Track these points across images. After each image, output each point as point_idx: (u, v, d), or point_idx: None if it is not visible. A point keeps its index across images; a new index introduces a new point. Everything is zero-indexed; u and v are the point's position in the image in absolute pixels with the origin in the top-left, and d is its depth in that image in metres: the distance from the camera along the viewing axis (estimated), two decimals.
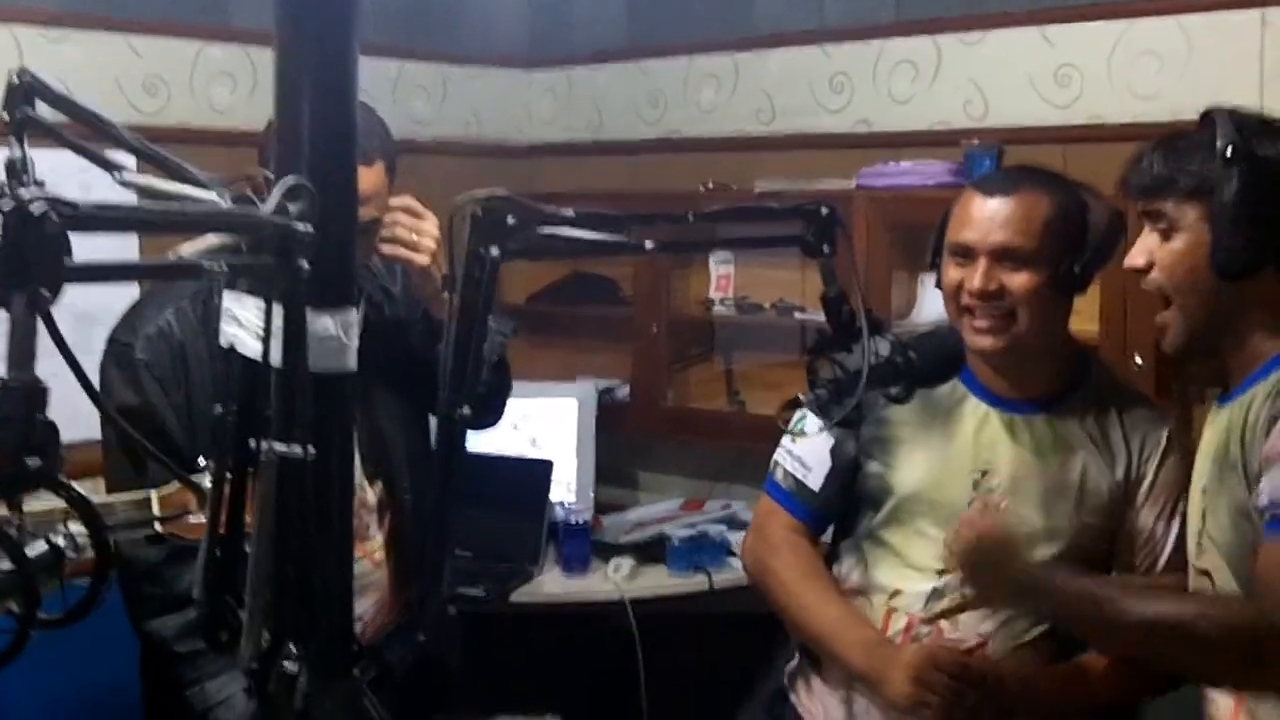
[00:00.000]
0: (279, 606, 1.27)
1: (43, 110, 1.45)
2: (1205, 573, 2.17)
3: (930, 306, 3.53)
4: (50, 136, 1.48)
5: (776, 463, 2.60)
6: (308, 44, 1.34)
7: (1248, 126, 2.13)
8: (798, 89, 4.52)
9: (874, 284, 3.93)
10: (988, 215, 2.36)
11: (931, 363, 2.03)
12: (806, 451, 2.55)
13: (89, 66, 3.91)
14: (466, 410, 1.49)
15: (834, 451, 2.52)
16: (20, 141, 1.46)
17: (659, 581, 4.08)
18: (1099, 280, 2.48)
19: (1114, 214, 2.40)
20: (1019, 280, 2.34)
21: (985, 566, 2.23)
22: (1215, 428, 2.17)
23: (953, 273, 2.40)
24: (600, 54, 5.01)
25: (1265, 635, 1.97)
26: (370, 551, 2.58)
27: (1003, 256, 2.34)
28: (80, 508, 1.16)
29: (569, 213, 1.61)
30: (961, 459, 2.44)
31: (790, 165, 4.37)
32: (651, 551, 4.17)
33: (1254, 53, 3.63)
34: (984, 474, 2.43)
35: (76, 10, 3.98)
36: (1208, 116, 2.18)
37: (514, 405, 4.44)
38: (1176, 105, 3.70)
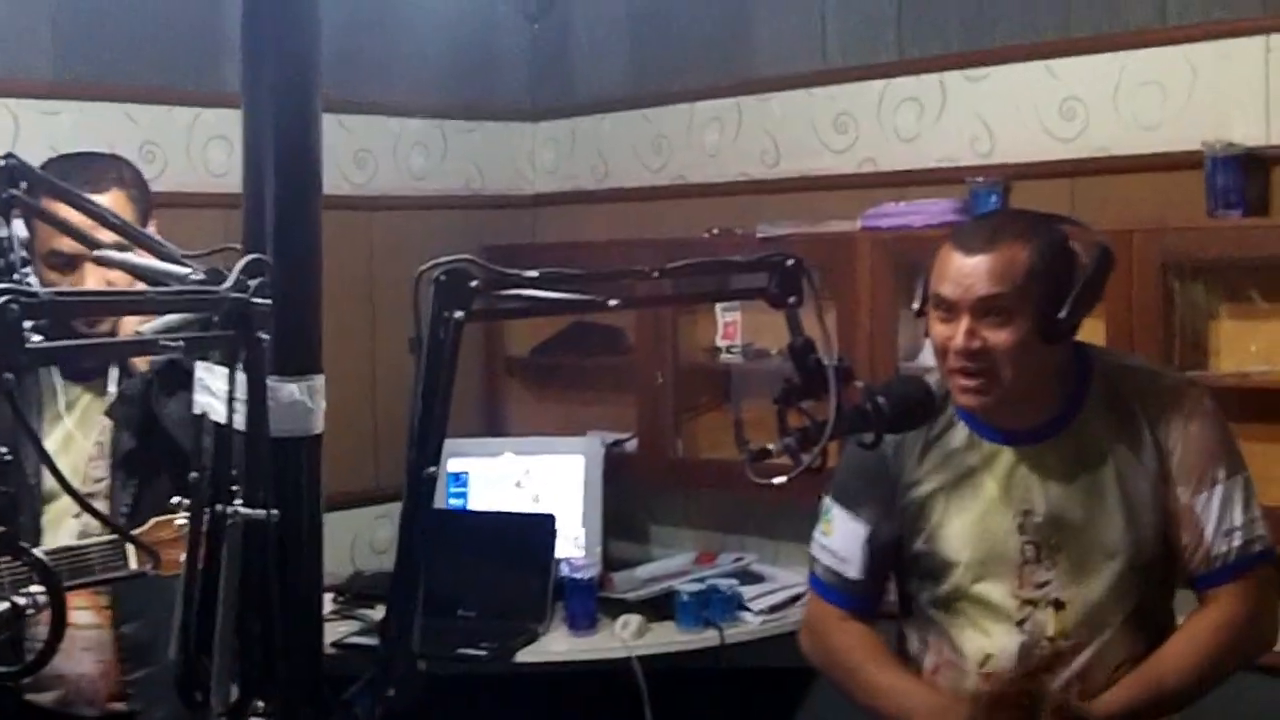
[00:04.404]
0: (246, 662, 1.40)
1: None
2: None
3: None
4: (37, 216, 1.63)
5: (814, 558, 2.71)
6: (272, 117, 1.49)
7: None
8: (801, 130, 4.64)
9: (879, 326, 4.05)
10: (968, 271, 2.41)
11: (900, 410, 2.15)
12: (838, 544, 2.66)
13: (85, 136, 4.05)
14: (433, 470, 1.62)
15: (870, 538, 2.62)
16: (7, 221, 1.61)
17: (668, 638, 4.12)
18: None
19: (1101, 250, 2.46)
20: (1003, 337, 2.40)
21: None
22: None
23: (938, 327, 2.47)
24: (602, 102, 5.17)
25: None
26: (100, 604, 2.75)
27: (986, 311, 2.40)
28: (38, 570, 1.29)
29: (532, 274, 1.74)
30: (998, 507, 2.53)
31: (795, 207, 4.48)
32: (660, 607, 4.22)
33: (1259, 79, 3.71)
34: (1026, 514, 2.51)
35: (71, 81, 4.16)
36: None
37: (517, 462, 4.63)
38: (1182, 135, 3.79)
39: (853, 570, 2.64)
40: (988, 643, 2.54)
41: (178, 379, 2.35)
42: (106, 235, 1.81)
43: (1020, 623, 2.52)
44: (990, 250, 2.41)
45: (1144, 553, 2.50)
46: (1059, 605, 2.50)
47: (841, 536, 2.65)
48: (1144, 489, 2.50)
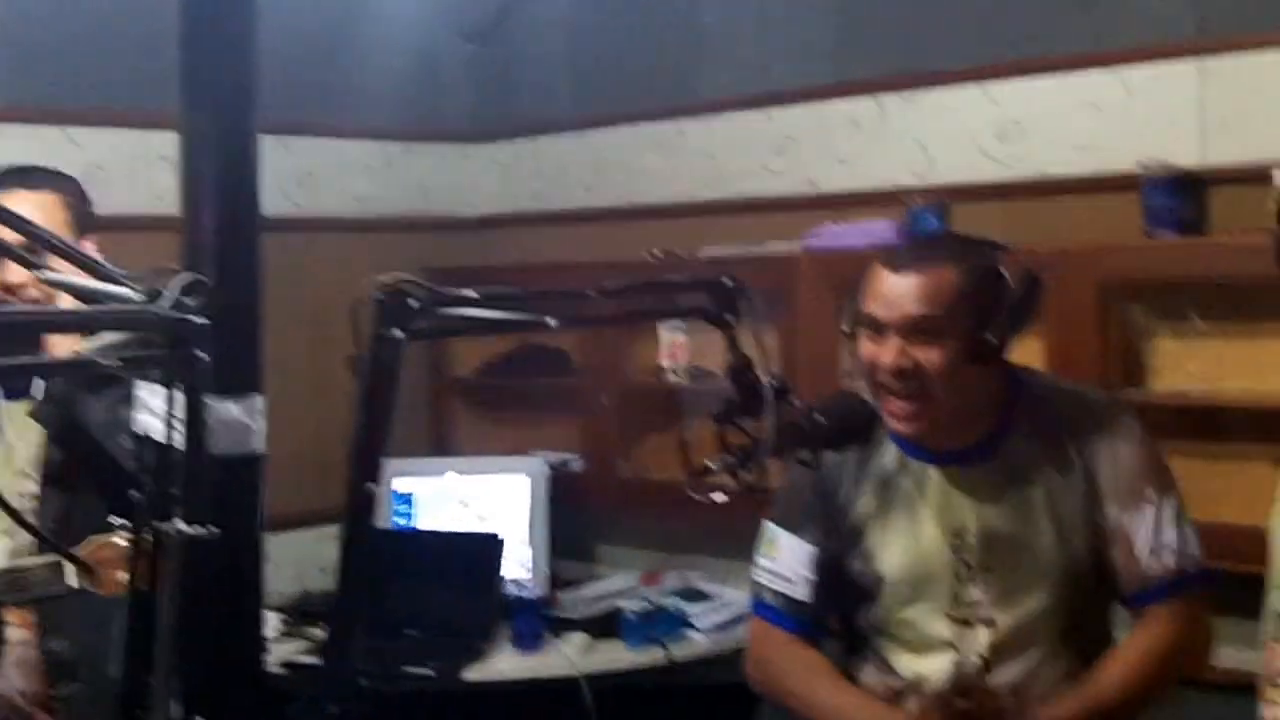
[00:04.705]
0: (188, 680, 1.40)
1: None
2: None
3: None
4: None
5: (758, 584, 2.70)
6: (210, 136, 1.49)
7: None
8: (743, 153, 4.67)
9: (822, 346, 4.06)
10: (899, 291, 2.42)
11: (838, 426, 2.17)
12: (784, 566, 2.66)
13: (29, 160, 4.03)
14: (372, 487, 1.63)
15: (815, 559, 2.62)
16: None
17: (615, 656, 4.14)
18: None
19: (1030, 275, 2.47)
20: (932, 356, 2.41)
21: None
22: None
23: (867, 347, 2.47)
24: (545, 125, 5.19)
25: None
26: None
27: (915, 331, 2.41)
28: None
29: (472, 293, 1.75)
30: (931, 528, 2.55)
31: (738, 229, 4.51)
32: (607, 626, 4.23)
33: (1194, 101, 3.76)
34: (958, 534, 2.53)
35: (14, 104, 4.14)
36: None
37: (463, 482, 4.63)
38: (1118, 157, 3.83)
39: (800, 592, 2.64)
40: (922, 663, 2.56)
41: (100, 378, 2.35)
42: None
43: (953, 642, 2.54)
44: (920, 270, 2.43)
45: (1075, 571, 2.52)
46: (991, 624, 2.52)
47: (787, 559, 2.65)
48: (1074, 509, 2.52)
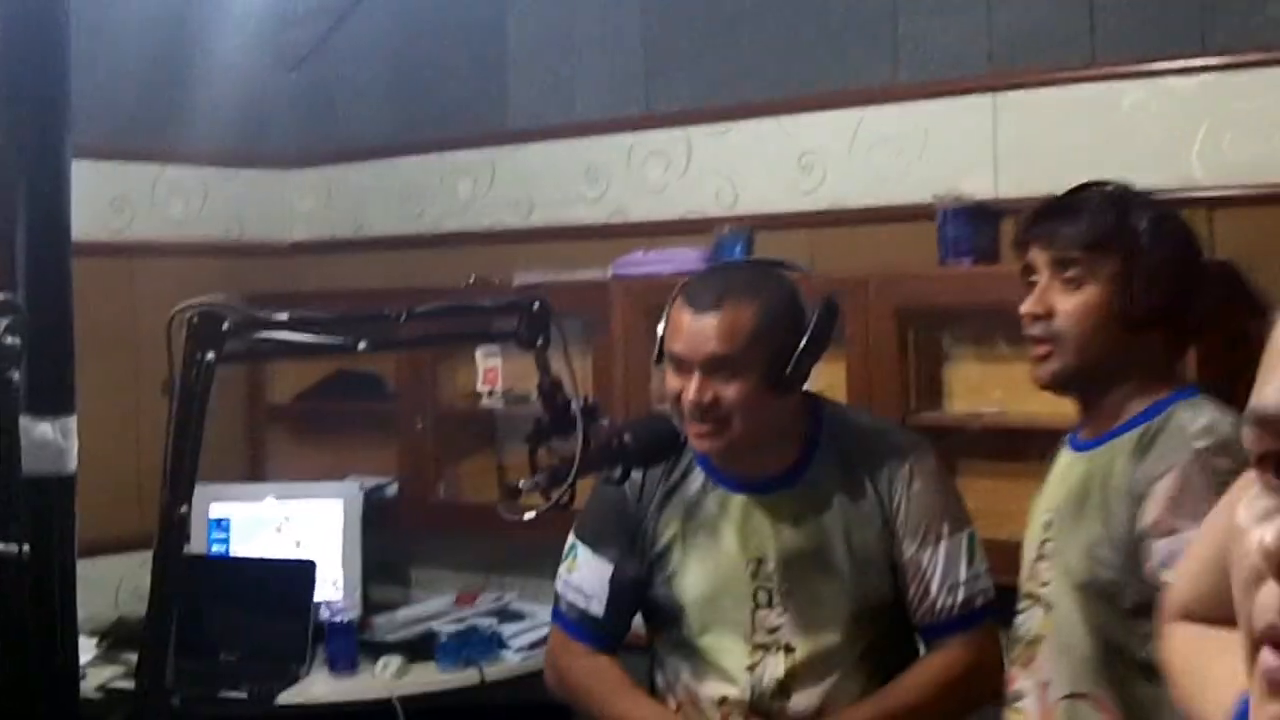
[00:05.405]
0: (2, 698, 1.40)
1: None
2: (1036, 597, 2.43)
3: None
4: None
5: (558, 594, 2.75)
6: (22, 160, 1.49)
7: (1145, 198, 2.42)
8: (554, 182, 4.71)
9: (633, 370, 4.11)
10: (696, 331, 2.47)
11: (647, 446, 2.21)
12: (583, 580, 2.69)
13: None
14: (185, 509, 1.63)
15: (614, 577, 2.66)
16: None
17: (428, 678, 4.14)
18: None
19: (827, 306, 2.52)
20: (731, 390, 2.45)
21: None
22: (1073, 470, 2.40)
23: (672, 380, 2.53)
24: (361, 151, 5.18)
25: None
26: None
27: (715, 368, 2.46)
28: None
29: (283, 316, 1.76)
30: (733, 554, 2.59)
31: (549, 256, 4.53)
32: (421, 648, 4.22)
33: (988, 135, 3.89)
34: (759, 561, 2.58)
35: None
36: (1109, 185, 2.43)
37: (279, 507, 4.59)
38: (915, 188, 3.93)
39: (596, 607, 2.68)
40: (722, 685, 2.60)
41: None
42: None
43: (752, 667, 2.58)
44: (717, 311, 2.47)
45: (872, 600, 2.59)
46: (789, 649, 2.57)
47: (586, 574, 2.69)
48: (870, 540, 2.58)
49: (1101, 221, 2.33)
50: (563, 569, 2.74)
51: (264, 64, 5.12)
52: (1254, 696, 0.75)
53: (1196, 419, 2.25)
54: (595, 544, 2.68)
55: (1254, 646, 0.75)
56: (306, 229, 5.35)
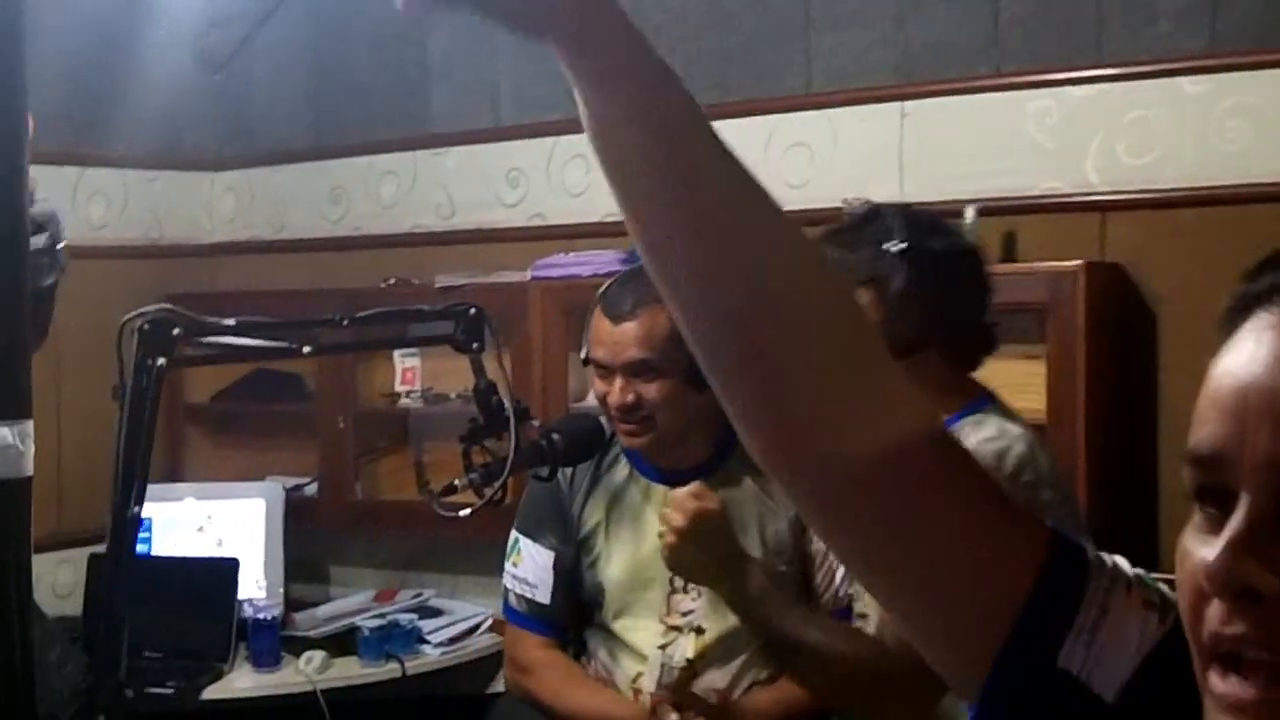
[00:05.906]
0: None
1: None
2: (863, 615, 2.52)
3: None
4: None
5: (506, 589, 2.83)
6: None
7: (915, 221, 2.43)
8: (475, 185, 4.76)
9: (551, 369, 4.18)
10: (616, 338, 2.61)
11: (574, 443, 2.28)
12: (528, 571, 2.79)
13: None
14: (137, 510, 1.68)
15: (556, 563, 2.76)
16: None
17: (351, 671, 4.20)
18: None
19: None
20: (652, 390, 2.59)
21: (701, 535, 2.47)
22: None
23: (597, 383, 2.66)
24: (282, 153, 5.19)
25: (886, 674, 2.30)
26: None
27: (636, 372, 2.59)
28: None
29: (231, 322, 1.81)
30: (653, 540, 2.64)
31: (470, 259, 4.59)
32: (344, 643, 4.28)
33: (894, 141, 3.99)
34: None
35: None
36: (874, 210, 2.48)
37: (199, 507, 4.61)
38: (824, 194, 3.95)
39: (542, 594, 2.77)
40: (635, 664, 2.70)
41: None
42: None
43: (664, 646, 2.68)
44: (634, 318, 2.59)
45: (780, 587, 2.64)
46: (700, 631, 2.67)
47: (529, 564, 2.78)
48: (782, 531, 2.68)
49: (860, 256, 2.36)
50: (508, 565, 2.82)
51: (185, 66, 5.12)
52: (1208, 709, 0.83)
53: (979, 431, 2.34)
54: (535, 534, 2.77)
55: (1204, 662, 0.83)
56: (227, 230, 5.36)
